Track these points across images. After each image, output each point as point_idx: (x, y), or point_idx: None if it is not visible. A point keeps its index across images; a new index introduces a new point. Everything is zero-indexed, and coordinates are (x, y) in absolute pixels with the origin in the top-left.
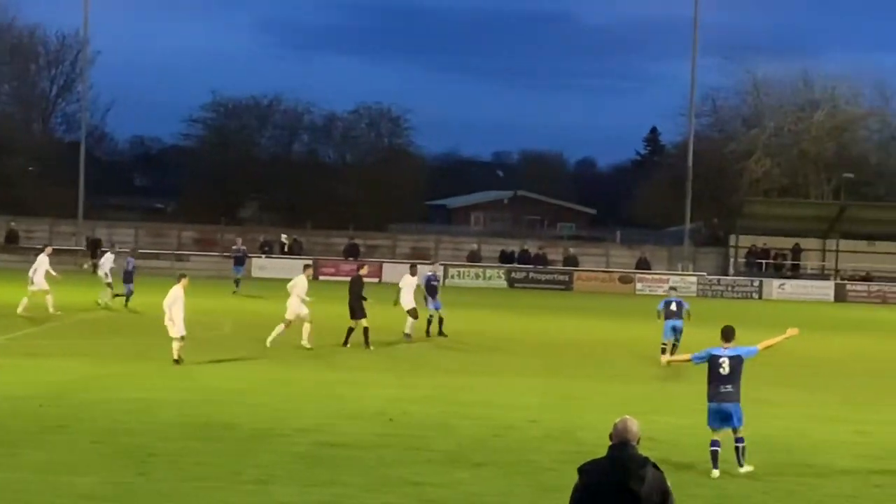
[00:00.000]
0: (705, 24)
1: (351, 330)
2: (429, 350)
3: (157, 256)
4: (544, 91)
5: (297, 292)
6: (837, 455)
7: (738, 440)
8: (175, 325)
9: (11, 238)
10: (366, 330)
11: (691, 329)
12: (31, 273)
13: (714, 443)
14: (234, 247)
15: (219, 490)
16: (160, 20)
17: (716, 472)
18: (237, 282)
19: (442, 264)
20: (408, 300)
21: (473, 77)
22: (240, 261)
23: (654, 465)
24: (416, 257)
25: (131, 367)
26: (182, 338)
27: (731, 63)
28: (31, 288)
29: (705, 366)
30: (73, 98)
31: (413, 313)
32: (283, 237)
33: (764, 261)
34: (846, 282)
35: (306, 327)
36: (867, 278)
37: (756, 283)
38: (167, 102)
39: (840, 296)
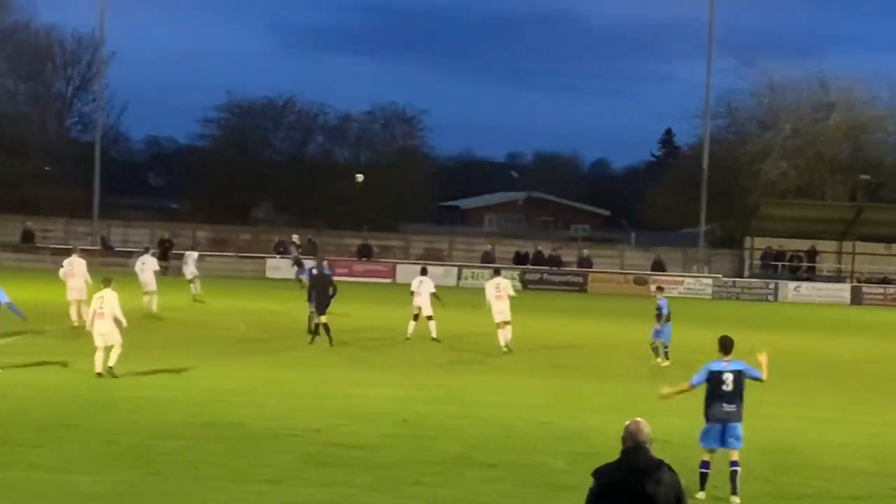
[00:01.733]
0: (720, 25)
1: (326, 326)
2: (438, 350)
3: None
4: (559, 92)
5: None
6: (848, 457)
7: (735, 464)
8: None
9: (27, 238)
10: (326, 326)
11: (707, 333)
12: (138, 273)
13: (705, 464)
14: (292, 254)
15: (229, 490)
16: (176, 21)
17: (702, 494)
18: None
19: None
20: (425, 304)
21: (487, 78)
22: (301, 263)
23: (669, 468)
24: (430, 258)
25: (138, 367)
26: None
27: (746, 65)
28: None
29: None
30: (89, 98)
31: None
32: (295, 238)
33: (779, 263)
34: (862, 284)
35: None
36: (884, 281)
37: (771, 286)
38: (182, 103)
39: (856, 298)
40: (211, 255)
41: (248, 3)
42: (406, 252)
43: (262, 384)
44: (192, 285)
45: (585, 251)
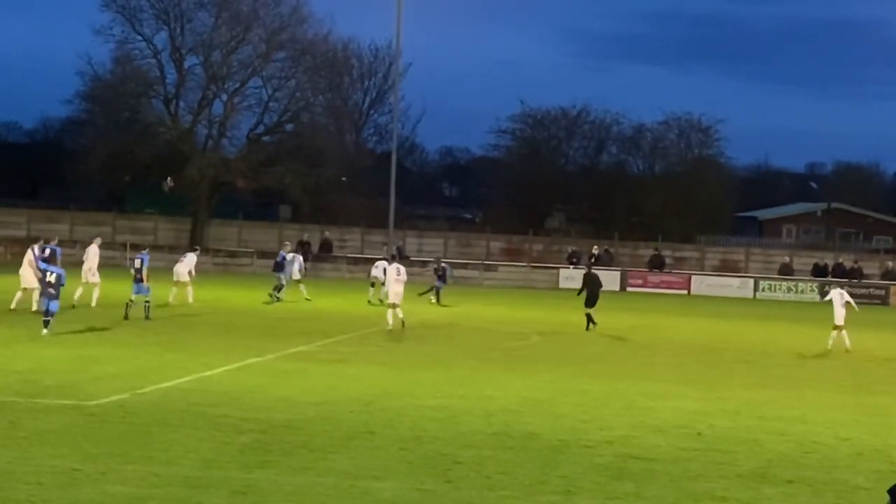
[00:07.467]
0: None
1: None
2: (730, 363)
3: (465, 266)
4: (859, 100)
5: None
6: None
7: None
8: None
9: (325, 247)
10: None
11: None
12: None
13: None
14: (282, 251)
15: (522, 500)
16: (468, 32)
17: None
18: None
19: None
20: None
21: (784, 86)
22: (279, 266)
23: None
24: (726, 269)
25: (432, 375)
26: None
27: None
28: None
29: None
30: (385, 109)
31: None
32: (595, 249)
33: None
34: None
35: None
36: None
37: None
38: (475, 113)
39: None
40: (504, 266)
41: (542, 12)
42: (701, 263)
43: (552, 394)
44: (300, 286)
45: (890, 263)
